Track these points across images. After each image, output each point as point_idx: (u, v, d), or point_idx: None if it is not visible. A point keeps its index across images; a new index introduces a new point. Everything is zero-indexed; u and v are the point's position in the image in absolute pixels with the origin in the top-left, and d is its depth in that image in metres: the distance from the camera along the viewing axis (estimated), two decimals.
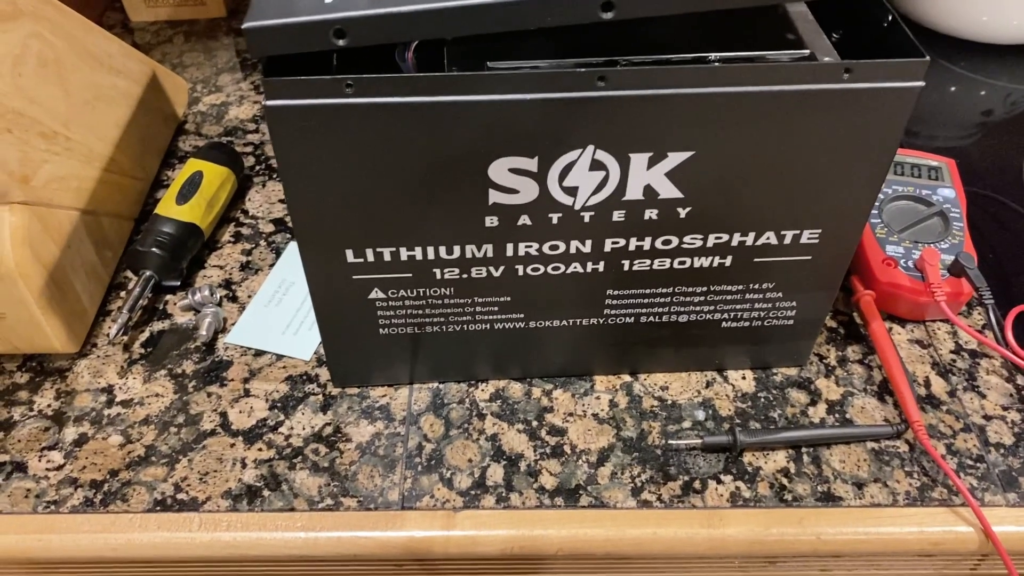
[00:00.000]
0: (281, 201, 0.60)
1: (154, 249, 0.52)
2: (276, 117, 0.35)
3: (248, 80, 0.71)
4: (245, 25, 0.32)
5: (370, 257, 0.41)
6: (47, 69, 0.46)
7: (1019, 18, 0.73)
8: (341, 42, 0.32)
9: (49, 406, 0.48)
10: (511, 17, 0.32)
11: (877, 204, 0.54)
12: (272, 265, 0.55)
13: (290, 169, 0.37)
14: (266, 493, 0.44)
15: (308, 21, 0.32)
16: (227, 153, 0.58)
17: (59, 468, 0.45)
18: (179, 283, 0.54)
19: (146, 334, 0.51)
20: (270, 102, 0.34)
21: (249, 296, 0.54)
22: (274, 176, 0.62)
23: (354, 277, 0.42)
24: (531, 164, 0.37)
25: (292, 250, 0.56)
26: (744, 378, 0.49)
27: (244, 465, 0.45)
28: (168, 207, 0.54)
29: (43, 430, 0.47)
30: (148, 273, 0.51)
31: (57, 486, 0.44)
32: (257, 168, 0.62)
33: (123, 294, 0.54)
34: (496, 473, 0.45)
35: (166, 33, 0.76)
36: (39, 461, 0.45)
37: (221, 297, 0.53)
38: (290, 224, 0.58)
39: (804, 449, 0.46)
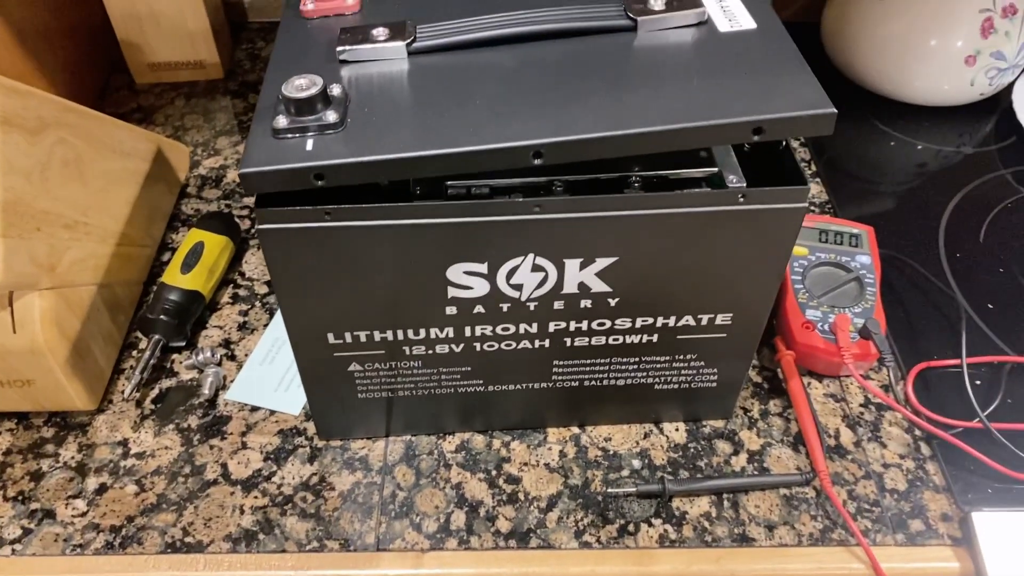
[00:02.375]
0: None
1: (162, 316, 0.59)
2: (268, 238, 0.42)
3: (244, 144, 0.78)
4: (241, 171, 0.39)
5: (348, 339, 0.48)
6: (69, 168, 0.53)
7: (949, 83, 0.80)
8: (320, 183, 0.39)
9: (73, 458, 0.55)
10: (462, 164, 0.39)
11: (801, 270, 0.62)
12: (266, 325, 0.63)
13: (280, 276, 0.44)
14: (261, 536, 0.51)
15: (293, 168, 0.39)
16: (225, 222, 0.66)
17: (83, 515, 0.52)
18: (184, 343, 0.61)
19: (155, 391, 0.59)
20: (263, 226, 0.41)
21: (246, 355, 0.61)
22: None
23: (335, 354, 0.49)
24: (482, 268, 0.45)
25: None
26: (677, 430, 0.56)
27: (242, 511, 0.52)
28: (173, 276, 0.61)
29: (68, 480, 0.54)
30: (157, 337, 0.59)
31: (82, 531, 0.51)
32: (253, 231, 0.69)
33: (135, 353, 0.61)
34: (459, 518, 0.52)
35: (168, 95, 0.83)
36: (65, 508, 0.52)
37: (221, 356, 0.60)
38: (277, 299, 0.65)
39: (725, 495, 0.53)
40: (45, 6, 0.74)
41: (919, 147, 0.80)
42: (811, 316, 0.59)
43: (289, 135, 0.40)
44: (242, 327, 0.63)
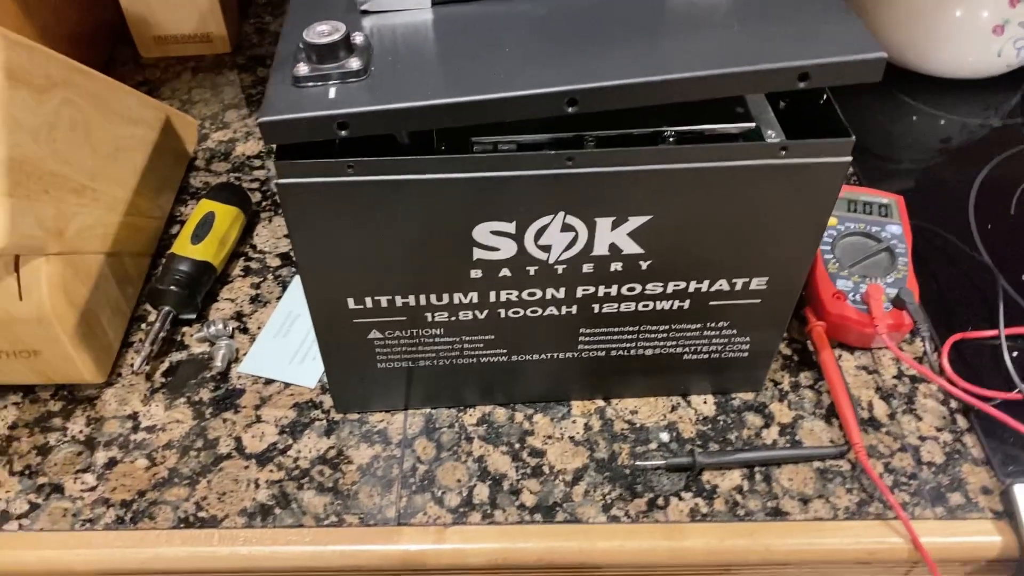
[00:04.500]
0: (287, 236, 0.65)
1: (172, 287, 0.57)
2: (287, 192, 0.40)
3: (253, 116, 0.76)
4: (260, 119, 0.37)
5: (368, 304, 0.47)
6: (76, 130, 0.51)
7: (975, 54, 0.78)
8: (344, 133, 0.38)
9: (81, 432, 0.53)
10: (492, 112, 0.37)
11: (830, 240, 0.60)
12: (279, 298, 0.61)
13: (299, 234, 0.42)
14: (277, 511, 0.49)
15: (315, 116, 0.37)
16: (236, 193, 0.64)
17: (92, 489, 0.50)
18: (195, 316, 0.59)
19: (166, 364, 0.57)
20: (282, 180, 0.40)
21: (259, 327, 0.59)
22: (280, 212, 0.67)
23: (354, 321, 0.48)
24: (510, 227, 0.43)
25: (297, 283, 0.61)
26: (706, 403, 0.55)
27: (257, 485, 0.50)
28: (184, 246, 0.59)
29: (76, 454, 0.52)
30: (167, 309, 0.57)
31: (91, 506, 0.49)
32: (264, 204, 0.68)
33: (144, 326, 0.59)
34: (482, 492, 0.50)
35: (175, 69, 0.81)
36: (74, 483, 0.51)
37: (233, 329, 0.59)
38: (295, 259, 0.63)
39: (757, 468, 0.51)
40: None
41: (943, 120, 0.79)
42: (842, 286, 0.57)
43: (311, 83, 0.38)
44: (254, 300, 0.61)
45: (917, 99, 0.80)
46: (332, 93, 0.38)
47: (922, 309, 0.57)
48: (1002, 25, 0.75)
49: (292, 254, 0.63)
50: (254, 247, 0.64)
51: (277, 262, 0.63)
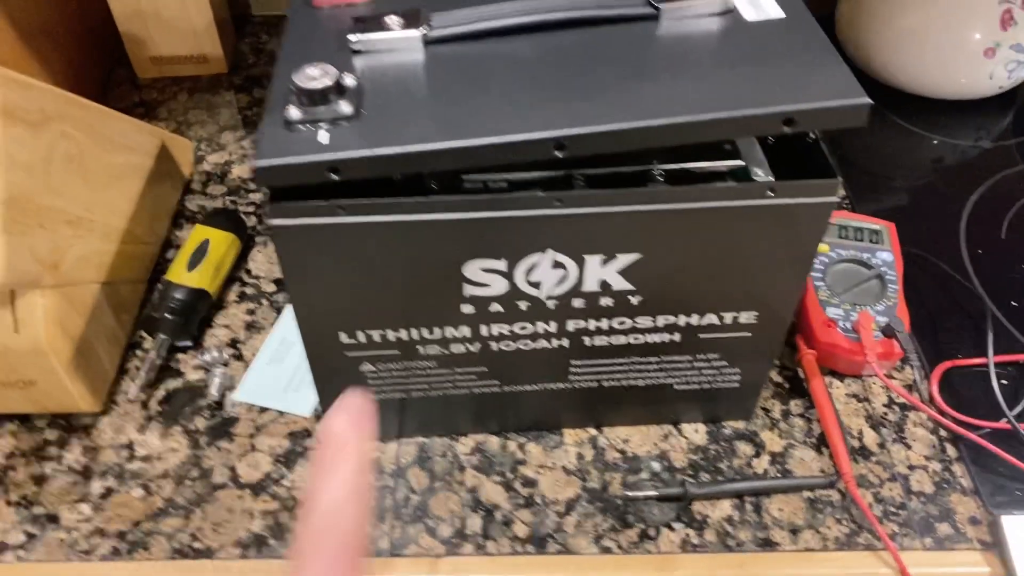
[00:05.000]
0: None
1: (167, 315, 0.57)
2: (280, 233, 0.40)
3: (249, 138, 0.76)
4: (253, 164, 0.38)
5: (361, 338, 0.47)
6: (71, 162, 0.52)
7: (966, 76, 0.78)
8: (335, 176, 0.38)
9: (77, 461, 0.53)
10: (481, 157, 0.38)
11: (821, 267, 0.60)
12: (274, 324, 0.61)
13: (292, 272, 0.43)
14: (272, 542, 0.50)
15: (307, 162, 0.37)
16: (232, 219, 0.64)
17: (88, 520, 0.51)
18: (191, 343, 0.59)
19: (161, 392, 0.57)
20: (275, 221, 0.40)
21: (253, 354, 0.59)
22: None
23: (346, 354, 0.48)
24: (500, 264, 0.43)
25: (291, 310, 0.62)
26: (697, 431, 0.55)
27: (252, 516, 0.51)
28: (179, 274, 0.59)
29: (73, 484, 0.52)
30: (163, 337, 0.57)
31: (88, 536, 0.50)
32: (259, 228, 0.68)
33: (139, 353, 0.59)
34: (475, 523, 0.50)
35: (171, 90, 0.82)
36: (70, 513, 0.51)
37: (228, 356, 0.59)
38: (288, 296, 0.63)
39: (747, 498, 0.52)
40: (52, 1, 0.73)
41: (935, 141, 0.79)
42: (832, 314, 0.58)
43: (302, 126, 0.39)
44: (249, 326, 0.61)
45: (909, 120, 0.80)
46: (323, 137, 0.38)
47: (912, 338, 0.57)
48: (993, 48, 0.75)
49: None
50: (249, 272, 0.65)
51: (272, 288, 0.64)
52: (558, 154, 0.38)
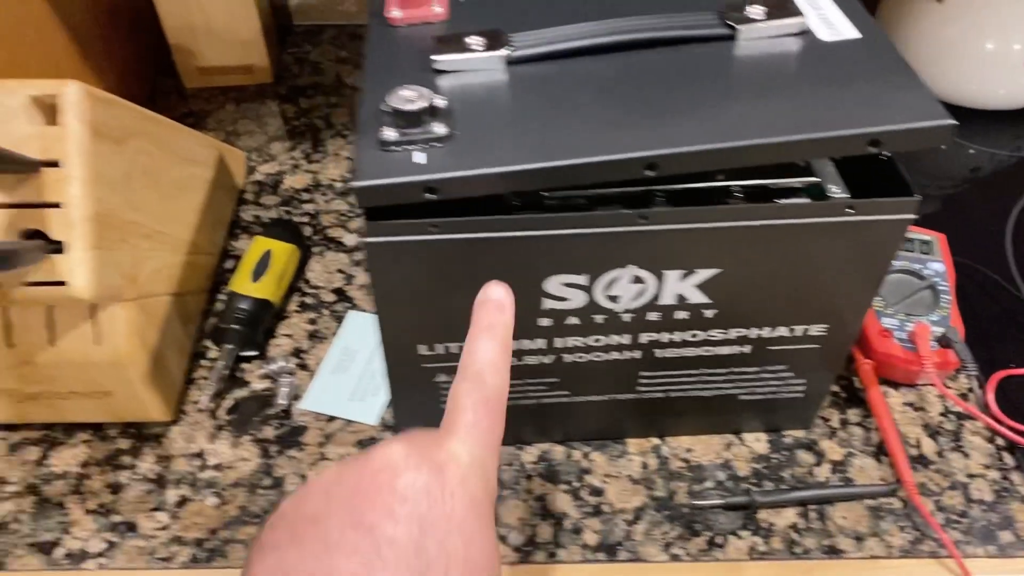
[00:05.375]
0: (339, 271, 0.66)
1: (235, 325, 0.58)
2: (375, 250, 0.41)
3: (299, 149, 0.77)
4: (354, 184, 0.39)
5: (439, 350, 0.48)
6: (148, 177, 0.53)
7: (1005, 87, 0.79)
8: (432, 196, 0.39)
9: (151, 469, 0.54)
10: (573, 176, 0.39)
11: (886, 273, 0.61)
12: (335, 333, 0.62)
13: (381, 287, 0.44)
14: None
15: (405, 182, 0.38)
16: (291, 230, 0.65)
17: (165, 528, 0.52)
18: (256, 352, 0.60)
19: (229, 401, 0.58)
20: (370, 239, 0.41)
21: (317, 363, 0.60)
22: (331, 247, 0.68)
23: (423, 365, 0.49)
24: (581, 279, 0.44)
25: (351, 319, 0.63)
26: (758, 440, 0.56)
27: None
28: (244, 285, 0.60)
29: (148, 492, 0.53)
30: (231, 347, 0.58)
31: (166, 544, 0.51)
32: (315, 238, 0.69)
33: (204, 362, 0.60)
34: (545, 531, 0.51)
35: (218, 100, 0.83)
36: (147, 521, 0.52)
37: (293, 365, 0.60)
38: (349, 294, 0.65)
39: (811, 506, 0.53)
40: (104, 9, 0.74)
41: (971, 151, 0.80)
42: (888, 324, 0.59)
43: (398, 148, 0.40)
44: (312, 336, 0.62)
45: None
46: (419, 158, 0.39)
47: (967, 348, 0.58)
48: None
49: (347, 291, 0.65)
50: (307, 282, 0.66)
51: (332, 297, 0.65)
52: (649, 173, 0.39)
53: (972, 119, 0.82)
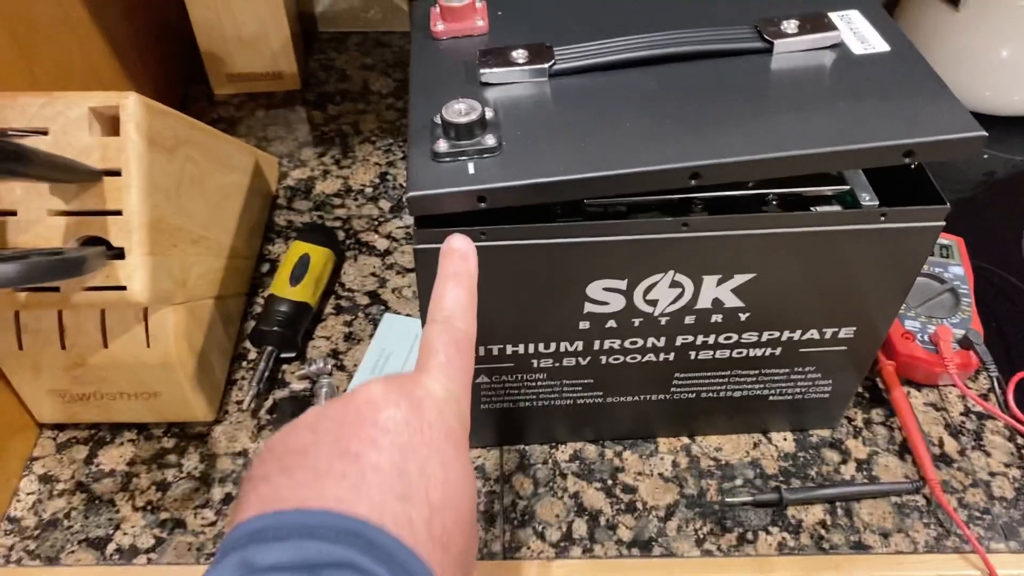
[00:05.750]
0: (372, 275, 0.68)
1: (275, 328, 0.60)
2: (424, 256, 0.43)
3: (329, 155, 0.79)
4: (408, 194, 0.40)
5: (481, 352, 0.50)
6: (194, 185, 0.54)
7: (1020, 93, 0.81)
8: (483, 205, 0.41)
9: (196, 468, 0.56)
10: (620, 186, 0.40)
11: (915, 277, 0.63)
12: (371, 335, 0.64)
13: (429, 292, 0.45)
14: None
15: (458, 192, 0.40)
16: (327, 234, 0.67)
17: (212, 524, 0.53)
18: (295, 354, 0.62)
19: (269, 401, 0.60)
20: (420, 246, 0.43)
21: (354, 365, 0.62)
22: (363, 251, 0.70)
23: None
24: (621, 284, 0.46)
25: (387, 322, 0.64)
26: (785, 439, 0.58)
27: None
28: (283, 288, 0.62)
29: (194, 490, 0.55)
30: (271, 348, 0.60)
31: (214, 540, 0.52)
32: (348, 243, 0.71)
33: (244, 364, 0.62)
34: (580, 527, 0.53)
35: (248, 107, 0.84)
36: (194, 518, 0.54)
37: (331, 367, 0.62)
38: (383, 297, 0.66)
39: (838, 503, 0.54)
40: (140, 18, 0.75)
41: (986, 156, 0.81)
42: (910, 327, 0.60)
43: (449, 159, 0.41)
44: (348, 337, 0.64)
45: None
46: (471, 168, 0.41)
47: (987, 349, 0.60)
48: None
49: (381, 294, 0.66)
50: (343, 285, 0.67)
51: (366, 300, 0.66)
52: (693, 183, 0.41)
53: (987, 125, 0.81)
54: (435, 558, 0.28)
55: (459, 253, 0.38)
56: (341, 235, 0.71)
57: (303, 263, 0.63)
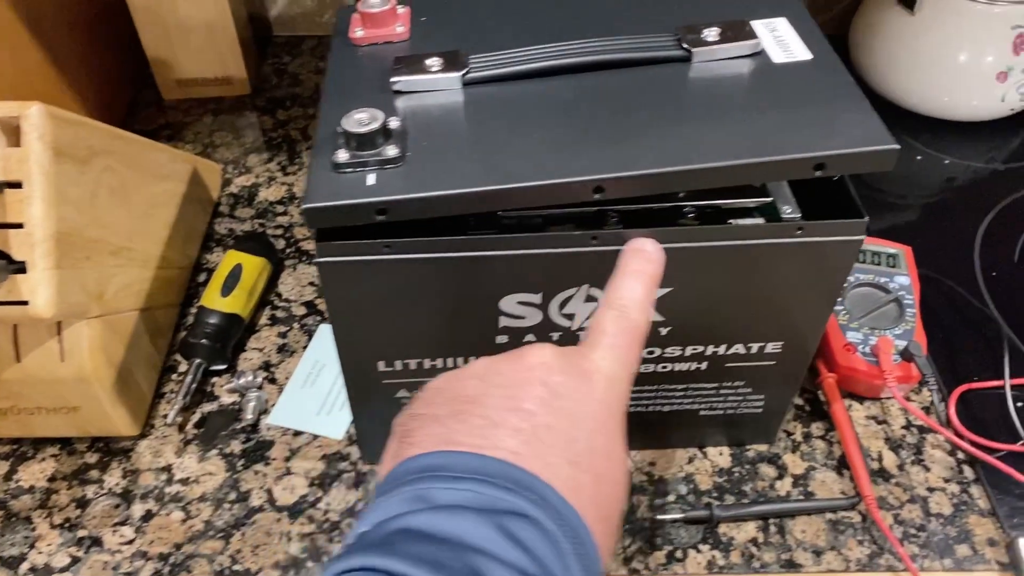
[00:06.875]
0: (311, 284, 0.67)
1: (203, 340, 0.59)
2: (328, 270, 0.42)
3: (275, 161, 0.78)
4: (304, 206, 0.39)
5: (398, 367, 0.48)
6: (115, 195, 0.53)
7: (978, 99, 0.80)
8: (381, 218, 0.39)
9: (117, 484, 0.55)
10: (522, 199, 0.39)
11: (841, 292, 0.62)
12: (305, 347, 0.63)
13: (336, 306, 0.44)
14: (309, 564, 0.51)
15: (356, 204, 0.39)
16: (262, 243, 0.66)
17: (130, 542, 0.52)
18: (225, 367, 0.61)
19: (197, 415, 0.59)
20: (322, 259, 0.41)
21: (286, 377, 0.61)
22: (303, 259, 0.69)
23: (383, 381, 0.49)
24: (536, 298, 0.45)
25: (322, 333, 0.63)
26: (721, 454, 0.57)
27: (290, 539, 0.52)
28: (213, 299, 0.61)
29: (114, 507, 0.54)
30: (199, 361, 0.59)
31: (131, 559, 0.51)
32: (288, 251, 0.69)
33: (175, 377, 0.61)
34: None
35: (196, 112, 0.83)
36: (113, 535, 0.52)
37: (262, 379, 0.60)
38: (320, 307, 0.65)
39: (771, 520, 0.53)
40: (82, 26, 0.74)
41: (947, 162, 0.80)
42: (852, 338, 0.59)
43: (350, 169, 0.40)
44: (281, 349, 0.63)
45: (920, 140, 0.82)
46: (371, 179, 0.40)
47: (930, 361, 0.59)
48: (1006, 72, 0.77)
49: (319, 305, 0.65)
50: (279, 295, 0.66)
51: (303, 311, 0.65)
52: (596, 196, 0.40)
53: (946, 131, 0.82)
54: (596, 528, 0.29)
55: (645, 255, 0.38)
56: (281, 243, 0.70)
57: (235, 273, 0.62)
